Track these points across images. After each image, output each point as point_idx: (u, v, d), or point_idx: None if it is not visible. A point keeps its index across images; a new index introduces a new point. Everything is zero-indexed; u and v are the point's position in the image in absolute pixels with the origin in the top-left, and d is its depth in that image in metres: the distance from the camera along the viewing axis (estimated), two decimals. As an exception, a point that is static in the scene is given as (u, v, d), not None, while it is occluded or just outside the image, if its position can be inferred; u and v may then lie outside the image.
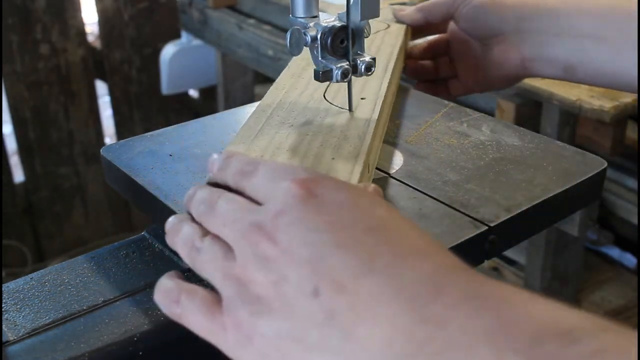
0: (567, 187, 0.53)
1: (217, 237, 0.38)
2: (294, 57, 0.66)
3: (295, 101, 0.57)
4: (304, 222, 0.34)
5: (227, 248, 0.37)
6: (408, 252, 0.33)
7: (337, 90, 0.59)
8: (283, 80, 0.62)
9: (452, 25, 0.74)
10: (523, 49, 0.66)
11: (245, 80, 1.95)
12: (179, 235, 0.40)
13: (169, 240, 0.41)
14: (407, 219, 0.36)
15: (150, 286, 0.48)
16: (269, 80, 2.04)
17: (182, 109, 2.30)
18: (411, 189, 0.53)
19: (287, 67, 0.65)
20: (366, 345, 0.30)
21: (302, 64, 0.65)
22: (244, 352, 0.34)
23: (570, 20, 0.62)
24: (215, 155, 0.43)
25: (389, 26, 0.76)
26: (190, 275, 0.49)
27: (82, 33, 2.03)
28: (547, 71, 0.66)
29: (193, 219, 0.41)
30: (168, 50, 2.04)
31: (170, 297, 0.38)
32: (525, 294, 0.29)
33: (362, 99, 0.57)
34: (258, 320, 0.33)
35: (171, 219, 0.41)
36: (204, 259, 0.38)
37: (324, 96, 0.58)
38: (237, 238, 0.36)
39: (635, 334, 0.26)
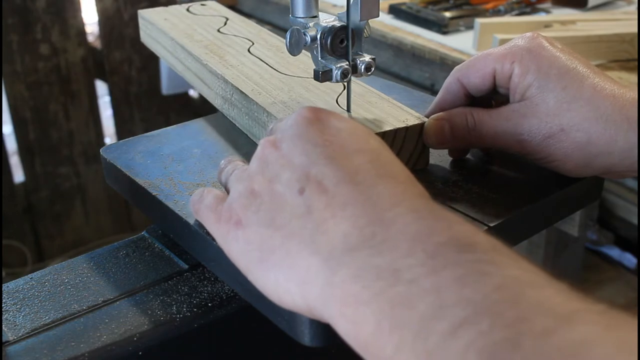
0: (567, 187, 0.53)
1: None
2: None
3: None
4: (305, 137, 0.40)
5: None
6: (387, 175, 0.38)
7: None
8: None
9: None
10: None
11: (245, 80, 1.94)
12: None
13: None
14: (395, 156, 0.41)
15: (150, 286, 0.48)
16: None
17: (182, 109, 2.30)
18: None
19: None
20: (330, 237, 0.36)
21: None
22: (230, 241, 0.40)
23: None
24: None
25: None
26: (190, 275, 0.49)
27: (82, 33, 2.03)
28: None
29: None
30: (168, 50, 2.03)
31: (198, 194, 0.45)
32: (456, 218, 0.35)
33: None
34: (247, 211, 0.39)
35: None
36: (230, 177, 0.44)
37: (337, 102, 0.58)
38: (254, 155, 0.42)
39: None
